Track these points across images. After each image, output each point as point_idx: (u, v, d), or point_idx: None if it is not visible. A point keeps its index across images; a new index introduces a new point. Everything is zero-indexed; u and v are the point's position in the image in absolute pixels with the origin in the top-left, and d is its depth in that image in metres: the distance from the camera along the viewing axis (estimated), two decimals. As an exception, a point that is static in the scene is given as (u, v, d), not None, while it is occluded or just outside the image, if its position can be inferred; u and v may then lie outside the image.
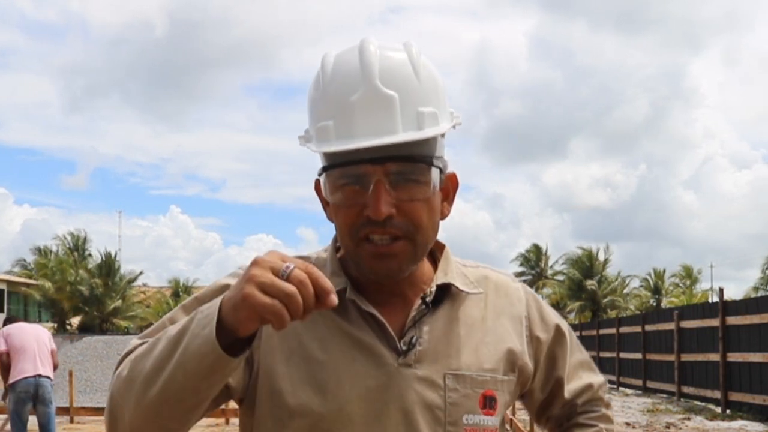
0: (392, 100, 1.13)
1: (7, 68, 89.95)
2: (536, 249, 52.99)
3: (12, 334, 7.94)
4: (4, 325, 8.40)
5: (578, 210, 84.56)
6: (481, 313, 1.28)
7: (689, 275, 50.34)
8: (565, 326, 1.39)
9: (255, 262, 0.97)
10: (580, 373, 1.41)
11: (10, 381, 7.88)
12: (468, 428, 1.21)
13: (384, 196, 1.13)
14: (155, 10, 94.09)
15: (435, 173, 1.17)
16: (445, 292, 1.26)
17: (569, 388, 1.39)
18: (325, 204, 1.24)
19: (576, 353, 1.41)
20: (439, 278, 1.26)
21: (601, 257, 46.57)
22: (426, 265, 1.28)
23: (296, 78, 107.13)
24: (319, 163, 1.21)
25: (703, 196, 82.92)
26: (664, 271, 50.36)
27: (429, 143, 1.17)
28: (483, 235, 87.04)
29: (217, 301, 1.00)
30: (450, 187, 1.26)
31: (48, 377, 7.95)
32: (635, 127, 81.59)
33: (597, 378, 1.44)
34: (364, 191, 1.14)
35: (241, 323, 0.97)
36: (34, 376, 7.82)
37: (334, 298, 0.96)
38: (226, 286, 1.13)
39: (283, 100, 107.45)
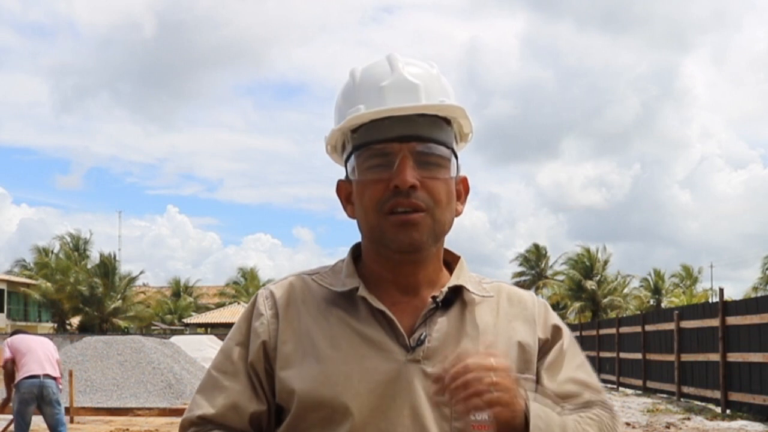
0: (418, 86, 1.27)
1: (1, 68, 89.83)
2: (536, 249, 52.94)
3: (18, 342, 8.06)
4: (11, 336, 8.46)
5: (573, 210, 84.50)
6: (493, 319, 1.32)
7: (689, 275, 50.37)
8: (567, 336, 1.37)
9: None
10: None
11: (16, 381, 7.90)
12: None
13: (409, 168, 1.23)
14: (142, 10, 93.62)
15: (453, 160, 1.29)
16: (458, 295, 1.31)
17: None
18: (346, 203, 1.34)
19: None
20: (452, 282, 1.31)
21: (601, 257, 46.58)
22: (443, 271, 1.34)
23: (289, 78, 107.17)
24: (341, 171, 1.31)
25: (698, 196, 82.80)
26: (664, 272, 50.44)
27: (448, 135, 1.29)
28: (480, 236, 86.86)
29: None
30: (462, 189, 1.35)
31: (54, 378, 7.95)
32: (627, 126, 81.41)
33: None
34: (390, 169, 1.24)
35: None
36: (39, 376, 7.82)
37: None
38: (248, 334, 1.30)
39: (277, 100, 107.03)
